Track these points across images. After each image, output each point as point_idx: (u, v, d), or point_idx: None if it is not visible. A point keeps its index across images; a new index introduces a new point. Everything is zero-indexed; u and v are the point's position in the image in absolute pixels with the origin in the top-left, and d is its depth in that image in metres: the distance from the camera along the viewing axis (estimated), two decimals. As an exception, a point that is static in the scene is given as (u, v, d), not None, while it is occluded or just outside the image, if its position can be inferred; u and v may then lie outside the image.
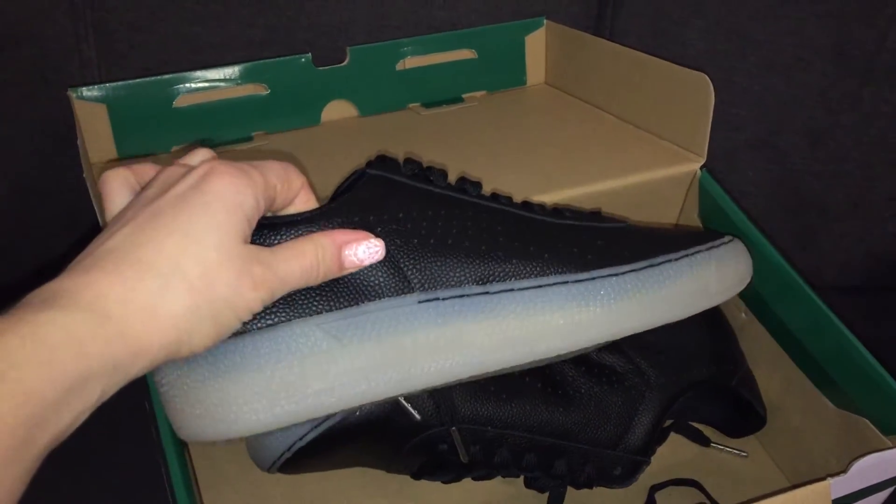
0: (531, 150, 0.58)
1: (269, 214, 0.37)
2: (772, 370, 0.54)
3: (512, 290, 0.39)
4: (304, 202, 0.38)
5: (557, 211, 0.44)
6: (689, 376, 0.51)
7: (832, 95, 0.72)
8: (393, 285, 0.37)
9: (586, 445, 0.48)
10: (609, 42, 0.63)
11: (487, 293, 0.38)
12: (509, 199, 0.43)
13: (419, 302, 0.37)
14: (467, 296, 0.38)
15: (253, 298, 0.33)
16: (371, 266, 0.37)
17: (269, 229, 0.36)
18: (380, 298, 0.37)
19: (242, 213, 0.33)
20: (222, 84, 0.61)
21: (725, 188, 0.53)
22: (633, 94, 0.60)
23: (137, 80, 0.59)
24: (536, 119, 0.65)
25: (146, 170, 0.36)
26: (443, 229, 0.39)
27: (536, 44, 0.70)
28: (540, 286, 0.39)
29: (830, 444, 0.49)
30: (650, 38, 0.72)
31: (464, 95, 0.69)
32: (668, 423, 0.53)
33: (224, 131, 0.62)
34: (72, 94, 0.58)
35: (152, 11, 0.66)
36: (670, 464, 0.54)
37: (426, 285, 0.38)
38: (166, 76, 0.60)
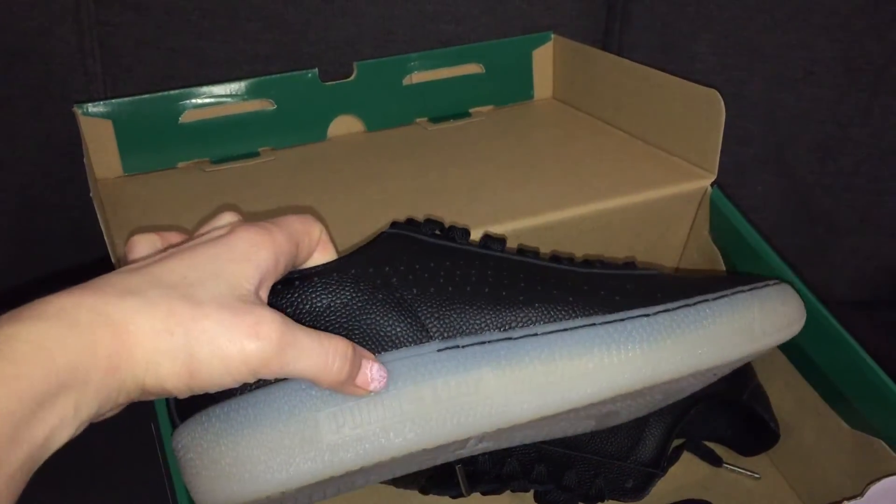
0: (539, 166, 0.58)
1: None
2: (784, 389, 0.53)
3: (535, 334, 0.37)
4: (321, 253, 0.37)
5: (587, 262, 0.42)
6: (700, 389, 0.50)
7: (842, 109, 0.72)
8: (411, 335, 0.36)
9: (597, 456, 0.47)
10: (617, 57, 0.62)
11: (510, 339, 0.37)
12: (536, 253, 0.41)
13: (438, 350, 0.36)
14: (488, 342, 0.36)
15: (251, 346, 0.30)
16: (387, 317, 0.36)
17: (283, 285, 0.35)
18: (397, 348, 0.36)
19: (252, 265, 0.32)
20: (228, 99, 0.61)
21: (736, 204, 0.52)
22: (642, 109, 0.59)
23: (143, 96, 0.59)
24: (544, 134, 0.65)
25: (173, 236, 0.36)
26: (461, 278, 0.38)
27: (544, 58, 0.70)
28: (565, 329, 0.37)
29: (845, 465, 0.49)
30: (659, 52, 0.72)
31: (471, 110, 0.68)
32: (681, 442, 0.53)
33: (230, 147, 0.62)
34: (77, 110, 0.57)
35: (158, 27, 0.66)
36: (682, 484, 0.53)
37: (445, 333, 0.36)
38: (172, 92, 0.60)
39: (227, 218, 0.36)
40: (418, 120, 0.67)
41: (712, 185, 0.54)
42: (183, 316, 0.29)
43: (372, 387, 0.34)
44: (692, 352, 0.38)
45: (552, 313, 0.38)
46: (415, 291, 0.37)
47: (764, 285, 0.42)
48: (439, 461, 0.40)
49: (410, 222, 0.40)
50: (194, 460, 0.34)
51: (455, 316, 0.37)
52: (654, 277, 0.41)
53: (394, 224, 0.40)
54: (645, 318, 0.38)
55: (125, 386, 0.29)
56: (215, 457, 0.33)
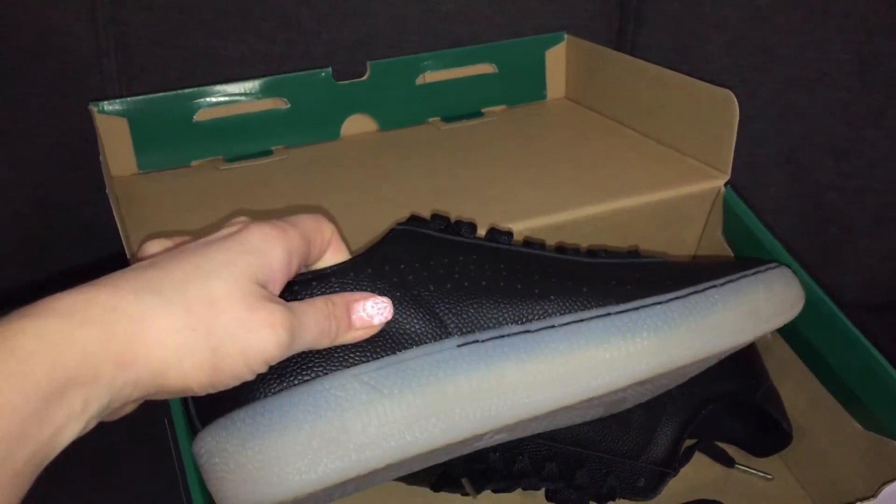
0: (551, 166, 0.58)
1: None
2: (797, 390, 0.53)
3: (553, 326, 0.38)
4: (333, 252, 0.37)
5: (592, 253, 0.42)
6: (712, 388, 0.50)
7: (856, 110, 0.72)
8: (430, 331, 0.36)
9: (608, 455, 0.47)
10: (630, 57, 0.62)
11: (528, 332, 0.37)
12: (542, 244, 0.42)
13: (458, 346, 0.36)
14: (507, 336, 0.37)
15: (269, 338, 0.31)
16: (406, 315, 0.36)
17: (300, 286, 0.35)
18: (417, 345, 0.36)
19: (265, 259, 0.32)
20: (242, 98, 0.61)
21: (750, 205, 0.52)
22: (655, 109, 0.59)
23: (158, 95, 0.59)
24: (557, 134, 0.65)
25: (187, 242, 0.36)
26: (476, 273, 0.38)
27: (557, 58, 0.70)
28: (581, 320, 0.38)
29: (858, 466, 0.48)
30: (672, 53, 0.72)
31: (483, 110, 0.68)
32: (693, 442, 0.53)
33: (244, 145, 0.62)
34: (93, 108, 0.58)
35: (173, 26, 0.66)
36: (694, 484, 0.53)
37: (464, 328, 0.37)
38: (187, 90, 0.60)
39: (240, 221, 0.36)
40: (431, 119, 0.67)
41: (726, 185, 0.53)
42: (202, 313, 0.30)
43: (376, 321, 0.35)
44: (705, 337, 0.39)
45: (568, 305, 0.38)
46: (431, 288, 0.37)
47: (766, 269, 0.43)
48: (456, 454, 0.40)
49: (416, 219, 0.40)
50: (219, 465, 0.33)
51: (472, 311, 0.37)
52: (660, 265, 0.42)
53: (399, 222, 0.40)
54: (658, 306, 0.39)
55: (140, 381, 0.29)
56: (242, 461, 0.33)
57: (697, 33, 0.71)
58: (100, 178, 0.53)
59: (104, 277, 0.30)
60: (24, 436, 0.25)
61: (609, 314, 0.38)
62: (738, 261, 0.46)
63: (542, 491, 0.50)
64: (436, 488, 0.50)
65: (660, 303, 0.39)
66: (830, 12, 0.69)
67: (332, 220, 0.37)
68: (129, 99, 0.59)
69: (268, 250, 0.32)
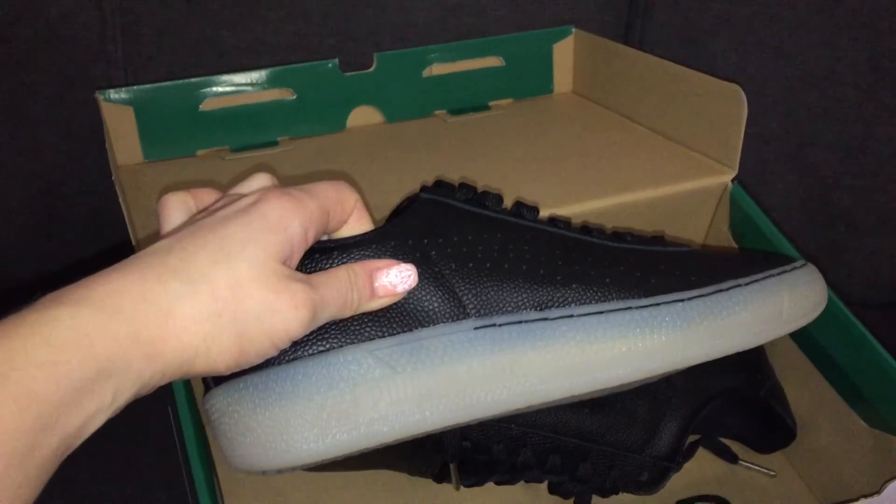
0: (558, 159, 0.57)
1: (323, 238, 0.37)
2: (802, 386, 0.53)
3: (572, 315, 0.37)
4: (357, 221, 0.37)
5: (618, 235, 0.42)
6: (717, 384, 0.50)
7: (865, 108, 0.71)
8: (448, 311, 0.36)
9: (612, 448, 0.47)
10: (638, 51, 0.62)
11: (546, 319, 0.37)
12: (567, 223, 0.42)
13: (475, 328, 0.36)
14: (525, 322, 0.37)
15: (293, 318, 0.31)
16: (425, 291, 0.36)
17: (321, 254, 0.35)
18: (434, 324, 0.36)
19: (285, 235, 0.32)
20: (249, 88, 0.61)
21: (757, 201, 0.52)
22: (662, 104, 0.59)
23: (164, 84, 0.59)
24: (563, 128, 0.65)
25: (205, 193, 0.36)
26: (499, 253, 0.38)
27: (564, 52, 0.69)
28: (601, 312, 0.38)
29: (862, 463, 0.48)
30: (680, 48, 0.71)
31: (490, 103, 0.68)
32: (697, 438, 0.53)
33: (250, 136, 0.62)
34: (99, 97, 0.58)
35: (180, 15, 0.66)
36: (697, 480, 0.53)
37: (482, 311, 0.37)
38: (193, 80, 0.60)
39: (260, 181, 0.36)
40: (437, 112, 0.67)
41: (733, 181, 0.53)
42: (227, 299, 0.30)
43: (399, 289, 0.35)
44: (723, 337, 0.39)
45: (589, 294, 0.38)
46: (453, 266, 0.37)
47: (792, 268, 0.42)
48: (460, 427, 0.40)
49: (443, 186, 0.40)
50: (230, 426, 0.34)
51: (492, 293, 0.37)
52: (685, 256, 0.42)
53: (425, 188, 0.39)
54: (680, 304, 0.38)
55: (168, 370, 0.29)
56: (252, 425, 0.34)
57: (706, 28, 0.70)
58: (106, 166, 0.53)
59: (130, 262, 0.30)
60: (55, 424, 0.26)
61: (630, 308, 0.38)
62: (766, 255, 0.45)
63: (545, 484, 0.50)
64: (438, 479, 0.50)
65: (682, 300, 0.39)
66: (840, 9, 0.69)
67: (357, 188, 0.37)
68: (135, 88, 0.59)
69: (286, 226, 0.32)
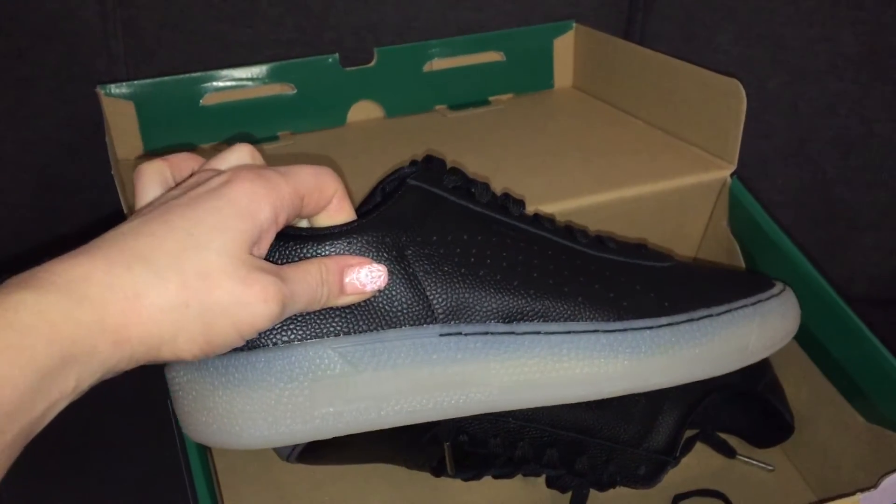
0: (558, 154, 0.57)
1: (304, 225, 0.37)
2: (800, 381, 0.53)
3: (539, 332, 0.38)
4: (336, 209, 0.36)
5: (600, 241, 0.42)
6: (714, 378, 0.50)
7: (866, 104, 0.71)
8: (416, 314, 0.36)
9: (609, 442, 0.47)
10: (638, 46, 0.62)
11: (513, 333, 0.37)
12: (552, 221, 0.42)
13: (440, 335, 0.36)
14: (491, 333, 0.37)
15: (262, 311, 0.31)
16: (396, 291, 0.36)
17: (295, 241, 0.35)
18: (400, 326, 0.36)
19: (253, 222, 0.31)
20: (249, 83, 0.61)
21: (756, 196, 0.52)
22: (662, 99, 0.59)
23: (165, 78, 0.59)
24: (564, 123, 0.65)
25: (184, 160, 0.35)
26: (476, 258, 0.38)
27: (565, 47, 0.69)
28: (569, 332, 0.38)
29: (859, 458, 0.48)
30: (681, 43, 0.71)
31: (490, 98, 0.68)
32: (694, 432, 0.53)
33: (250, 130, 0.62)
34: (100, 91, 0.58)
35: (181, 9, 0.66)
36: (695, 474, 0.53)
37: (450, 317, 0.37)
38: (194, 74, 0.60)
39: (239, 153, 0.35)
40: (438, 107, 0.67)
41: (732, 175, 0.53)
42: (196, 289, 0.30)
43: (368, 289, 0.35)
44: (684, 369, 0.40)
45: (559, 312, 0.38)
46: (428, 268, 0.37)
47: (769, 296, 0.43)
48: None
49: (432, 164, 0.39)
50: (188, 401, 0.35)
51: (463, 300, 0.37)
52: (663, 274, 0.42)
53: (414, 168, 0.39)
54: (648, 332, 0.39)
55: (134, 356, 0.29)
56: (209, 405, 0.34)
57: (707, 23, 0.70)
58: (106, 160, 0.53)
59: (97, 244, 0.30)
60: (19, 411, 0.26)
61: (597, 331, 0.38)
62: (746, 278, 0.45)
63: (543, 477, 0.50)
64: (437, 472, 0.50)
65: (650, 327, 0.39)
66: (841, 4, 0.69)
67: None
68: (136, 82, 0.59)
69: (257, 211, 0.32)
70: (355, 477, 0.52)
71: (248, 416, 0.34)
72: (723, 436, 0.55)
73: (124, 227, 0.31)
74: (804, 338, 0.51)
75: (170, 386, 0.35)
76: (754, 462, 0.54)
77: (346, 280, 0.35)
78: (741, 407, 0.55)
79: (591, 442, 0.47)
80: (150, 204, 0.33)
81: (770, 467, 0.54)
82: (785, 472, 0.54)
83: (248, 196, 0.32)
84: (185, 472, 0.42)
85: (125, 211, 0.49)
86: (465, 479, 0.50)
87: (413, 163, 0.40)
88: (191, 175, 0.35)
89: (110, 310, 0.28)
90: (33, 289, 0.27)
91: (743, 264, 0.54)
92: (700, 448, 0.54)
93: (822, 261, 0.74)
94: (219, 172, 0.33)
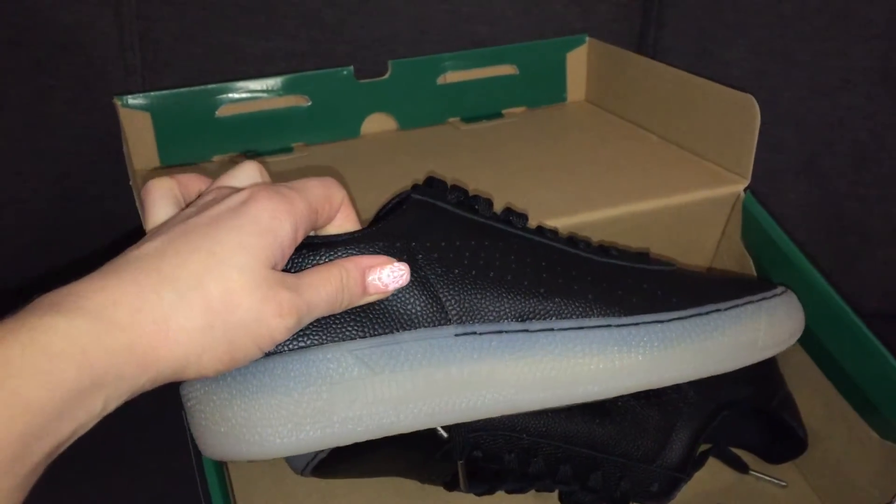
0: (571, 168, 0.58)
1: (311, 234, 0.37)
2: (814, 397, 0.53)
3: (552, 329, 0.38)
4: (344, 218, 0.37)
5: (603, 249, 0.42)
6: (728, 394, 0.50)
7: (878, 118, 0.71)
8: (430, 315, 0.37)
9: (623, 459, 0.47)
10: (651, 60, 0.62)
11: (527, 331, 0.38)
12: (555, 232, 0.42)
13: (455, 335, 0.37)
14: (505, 332, 0.37)
15: (277, 326, 0.32)
16: (409, 294, 0.36)
17: (309, 249, 0.35)
18: (415, 328, 0.36)
19: (274, 239, 0.32)
20: (264, 95, 0.62)
21: (769, 210, 0.52)
22: (675, 113, 0.59)
23: (181, 90, 0.60)
24: (577, 136, 0.65)
25: (191, 180, 0.36)
26: (485, 260, 0.38)
27: (578, 61, 0.70)
28: (581, 328, 0.38)
29: (873, 475, 0.48)
30: (693, 57, 0.71)
31: (504, 111, 0.68)
32: (707, 447, 0.52)
33: (265, 142, 0.62)
34: (117, 102, 0.58)
35: (197, 22, 0.67)
36: (708, 490, 0.53)
37: (464, 318, 0.37)
38: (209, 86, 0.60)
39: (248, 171, 0.36)
40: (451, 119, 0.67)
41: (745, 190, 0.53)
42: (219, 311, 0.30)
43: (390, 288, 0.36)
44: (697, 361, 0.40)
45: (570, 309, 0.39)
46: (439, 271, 0.37)
47: (773, 295, 0.43)
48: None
49: (434, 184, 0.40)
50: (205, 414, 0.34)
51: (476, 301, 0.37)
52: (669, 276, 0.42)
53: (416, 188, 0.39)
54: (658, 325, 0.39)
55: (159, 378, 0.30)
56: (227, 415, 0.34)
57: (719, 38, 0.71)
58: (123, 171, 0.53)
59: (122, 265, 0.30)
60: (47, 432, 0.26)
61: (609, 326, 0.39)
62: (748, 280, 0.46)
63: (556, 493, 0.50)
64: (449, 487, 0.50)
65: (660, 321, 0.39)
66: (853, 19, 0.69)
67: (344, 184, 0.37)
68: (152, 93, 0.59)
69: (278, 228, 0.32)
70: (368, 490, 0.52)
71: (266, 424, 0.34)
72: (735, 451, 0.55)
73: (148, 248, 0.31)
74: (817, 353, 0.51)
75: (185, 402, 0.35)
76: (767, 478, 0.54)
77: (369, 279, 0.35)
78: (754, 422, 0.54)
79: (605, 458, 0.47)
80: (167, 223, 0.33)
81: (783, 483, 0.54)
82: (798, 488, 0.54)
83: (268, 213, 0.32)
84: (200, 485, 0.42)
85: (142, 220, 0.49)
86: (479, 494, 0.50)
87: (415, 186, 0.40)
88: (199, 195, 0.35)
89: (139, 333, 0.28)
90: (64, 313, 0.27)
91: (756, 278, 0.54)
92: (712, 463, 0.54)
93: (834, 275, 0.74)
94: (235, 190, 0.34)
